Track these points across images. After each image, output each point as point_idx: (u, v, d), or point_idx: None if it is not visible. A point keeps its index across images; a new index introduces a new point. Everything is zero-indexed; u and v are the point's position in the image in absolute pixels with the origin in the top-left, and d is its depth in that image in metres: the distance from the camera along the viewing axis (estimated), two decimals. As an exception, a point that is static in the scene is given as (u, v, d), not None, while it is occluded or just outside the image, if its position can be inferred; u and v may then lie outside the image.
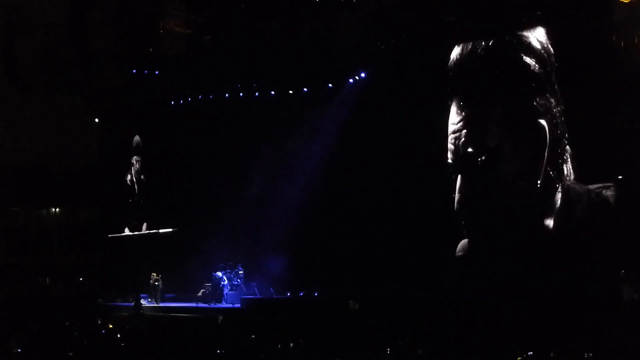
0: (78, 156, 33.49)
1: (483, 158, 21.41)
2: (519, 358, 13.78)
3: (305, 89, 26.24)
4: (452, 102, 22.15)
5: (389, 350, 14.77)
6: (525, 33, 20.82)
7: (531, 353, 13.84)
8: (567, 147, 20.06)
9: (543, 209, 20.59)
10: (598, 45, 19.87)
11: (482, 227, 21.69)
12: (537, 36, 20.61)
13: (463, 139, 21.85)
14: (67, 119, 31.28)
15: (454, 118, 22.03)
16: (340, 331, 19.02)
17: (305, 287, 24.80)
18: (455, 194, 21.93)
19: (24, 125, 32.00)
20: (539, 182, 20.69)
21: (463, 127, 21.89)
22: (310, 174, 25.56)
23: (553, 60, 20.32)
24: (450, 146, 22.06)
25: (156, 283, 27.46)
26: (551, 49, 20.33)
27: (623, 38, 20.12)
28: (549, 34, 20.39)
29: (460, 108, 21.96)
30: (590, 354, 13.78)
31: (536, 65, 20.64)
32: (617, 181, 19.59)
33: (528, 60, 20.79)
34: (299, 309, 23.29)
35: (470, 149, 21.79)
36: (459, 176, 21.94)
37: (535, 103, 20.71)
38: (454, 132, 22.01)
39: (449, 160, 22.11)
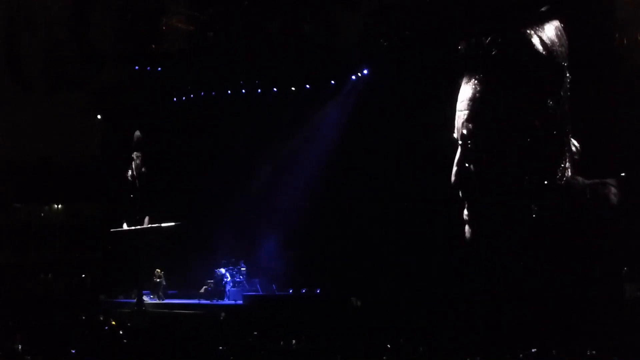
0: (81, 153, 33.52)
1: (473, 142, 21.56)
2: (521, 355, 13.79)
3: (307, 86, 26.25)
4: (462, 78, 22.20)
5: (391, 348, 14.78)
6: (529, 31, 20.80)
7: (534, 350, 13.85)
8: (573, 142, 20.01)
9: (538, 205, 20.63)
10: (601, 43, 19.86)
11: (478, 208, 21.76)
12: (543, 35, 20.58)
13: (462, 118, 21.94)
14: (70, 116, 31.26)
15: (461, 96, 22.09)
16: (342, 328, 19.04)
17: (307, 284, 24.80)
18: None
19: (27, 122, 31.99)
20: (527, 177, 20.80)
21: (464, 108, 21.96)
22: (313, 171, 25.56)
23: (558, 62, 20.29)
24: (455, 122, 22.15)
25: (158, 280, 27.47)
26: (558, 49, 20.29)
27: (626, 36, 20.14)
28: (557, 33, 20.35)
29: (465, 87, 22.00)
30: (593, 352, 13.79)
31: (538, 64, 20.66)
32: (617, 178, 19.59)
33: (529, 59, 20.81)
34: (301, 306, 23.31)
35: (464, 131, 21.90)
36: (458, 150, 22.01)
37: (532, 100, 20.77)
38: (458, 110, 22.09)
39: (454, 135, 22.21)
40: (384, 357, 13.98)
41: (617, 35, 20.24)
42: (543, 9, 20.63)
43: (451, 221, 22.25)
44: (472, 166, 21.83)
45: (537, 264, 20.26)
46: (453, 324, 19.00)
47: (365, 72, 24.83)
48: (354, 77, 25.12)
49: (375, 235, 23.89)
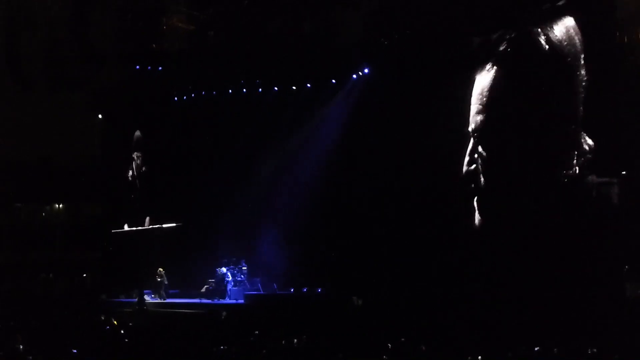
0: (81, 152, 33.52)
1: (480, 134, 21.56)
2: (522, 354, 13.78)
3: (308, 85, 26.25)
4: (476, 72, 22.18)
5: (391, 347, 14.77)
6: (537, 29, 20.73)
7: (537, 349, 13.84)
8: (587, 140, 19.91)
9: (539, 201, 20.59)
10: (601, 42, 19.85)
11: (484, 199, 21.73)
12: (550, 33, 20.51)
13: (474, 111, 21.89)
14: (70, 116, 31.26)
15: (475, 89, 22.03)
16: (343, 327, 19.03)
17: (309, 284, 24.80)
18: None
19: (27, 122, 31.99)
20: (528, 173, 20.78)
21: (476, 101, 21.92)
22: (314, 171, 25.56)
23: (566, 61, 20.20)
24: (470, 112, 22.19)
25: (159, 279, 27.46)
26: (566, 48, 20.21)
27: (626, 35, 20.13)
28: (569, 32, 20.27)
29: (478, 81, 21.96)
30: (594, 350, 13.80)
31: (543, 62, 20.61)
32: (619, 178, 19.57)
33: (534, 57, 20.77)
34: (302, 305, 23.32)
35: (473, 124, 21.94)
36: (471, 140, 22.00)
37: (536, 97, 20.74)
38: (472, 103, 22.04)
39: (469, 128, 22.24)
40: (384, 357, 13.96)
41: (617, 34, 20.21)
42: (545, 7, 20.60)
43: (452, 221, 22.26)
44: (479, 158, 21.81)
45: (539, 262, 20.23)
46: (454, 323, 18.99)
47: (366, 71, 24.84)
48: (354, 76, 25.13)
49: (376, 235, 23.89)
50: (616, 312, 18.30)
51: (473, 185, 21.92)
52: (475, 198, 21.88)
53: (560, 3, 20.44)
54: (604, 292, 19.01)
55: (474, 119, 21.92)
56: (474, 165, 21.87)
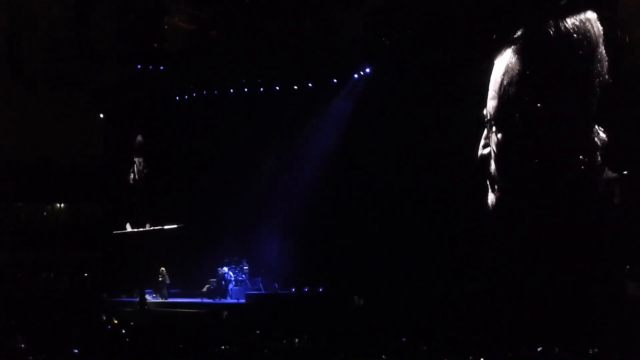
0: (81, 152, 33.54)
1: (491, 120, 21.54)
2: (523, 354, 13.79)
3: (309, 85, 26.27)
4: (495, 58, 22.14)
5: (393, 346, 14.78)
6: (549, 22, 20.65)
7: (540, 349, 13.85)
8: (601, 135, 19.80)
9: (547, 197, 20.56)
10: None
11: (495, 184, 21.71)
12: (562, 26, 20.42)
13: (489, 96, 21.86)
14: (71, 115, 31.27)
15: (493, 74, 22.01)
16: (344, 327, 19.04)
17: (310, 283, 24.81)
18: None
19: (28, 122, 32.01)
20: (535, 165, 20.75)
21: (491, 87, 21.85)
22: (315, 171, 25.58)
23: (577, 53, 20.11)
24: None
25: (161, 278, 27.48)
26: (578, 42, 20.12)
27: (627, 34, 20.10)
28: (584, 25, 20.19)
29: (495, 66, 21.91)
30: (595, 350, 13.80)
31: (552, 54, 20.56)
32: (620, 176, 19.54)
33: (543, 49, 20.72)
34: (303, 305, 23.34)
35: (485, 110, 21.83)
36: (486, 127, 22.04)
37: (544, 90, 20.68)
38: (489, 88, 22.03)
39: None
40: (384, 356, 13.96)
41: (618, 33, 20.18)
42: (545, 7, 20.60)
43: (451, 221, 22.26)
44: (492, 144, 21.78)
45: (539, 261, 20.20)
46: (454, 323, 18.99)
47: (367, 70, 24.86)
48: (356, 75, 25.15)
49: (377, 235, 23.90)
50: (617, 312, 18.29)
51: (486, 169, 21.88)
52: (488, 181, 21.80)
53: (562, 2, 20.41)
54: (605, 292, 18.99)
55: (489, 104, 21.88)
56: (487, 149, 21.82)
